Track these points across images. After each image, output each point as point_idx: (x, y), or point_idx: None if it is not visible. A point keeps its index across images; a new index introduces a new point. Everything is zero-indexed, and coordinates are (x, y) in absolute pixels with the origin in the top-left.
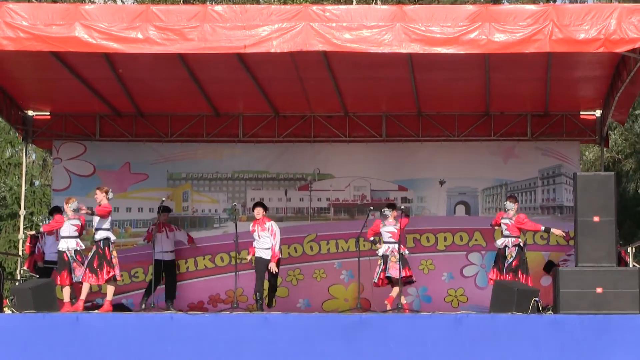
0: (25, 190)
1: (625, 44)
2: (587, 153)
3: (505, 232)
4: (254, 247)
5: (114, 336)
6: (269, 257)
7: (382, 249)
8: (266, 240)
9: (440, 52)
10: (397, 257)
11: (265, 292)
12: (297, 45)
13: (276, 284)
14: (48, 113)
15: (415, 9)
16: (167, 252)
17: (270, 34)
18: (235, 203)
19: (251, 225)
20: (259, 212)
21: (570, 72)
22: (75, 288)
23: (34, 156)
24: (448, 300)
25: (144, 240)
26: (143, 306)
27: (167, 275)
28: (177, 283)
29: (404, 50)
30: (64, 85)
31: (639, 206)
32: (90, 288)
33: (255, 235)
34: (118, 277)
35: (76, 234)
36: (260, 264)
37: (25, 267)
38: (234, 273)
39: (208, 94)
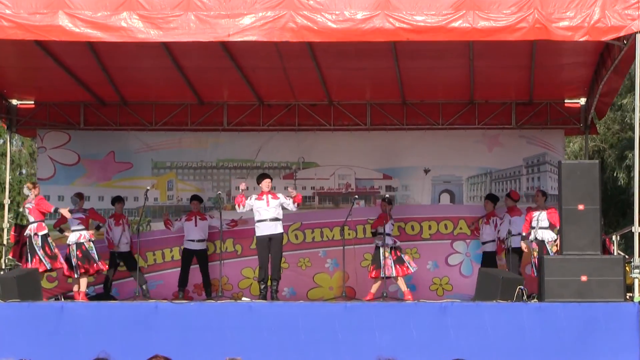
0: (11, 179)
1: (610, 32)
2: (571, 144)
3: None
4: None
5: (98, 325)
6: (276, 232)
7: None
8: (276, 210)
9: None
10: None
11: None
12: (281, 35)
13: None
14: (32, 102)
15: None
16: (195, 240)
17: (254, 22)
18: (219, 192)
19: (256, 196)
20: (268, 183)
21: (555, 60)
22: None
23: (20, 145)
24: (433, 288)
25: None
26: (180, 295)
27: (199, 264)
28: (165, 271)
29: (388, 39)
30: (48, 74)
31: (623, 194)
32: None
33: (262, 205)
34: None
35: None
36: (264, 245)
37: (10, 256)
38: (218, 262)
39: (192, 83)
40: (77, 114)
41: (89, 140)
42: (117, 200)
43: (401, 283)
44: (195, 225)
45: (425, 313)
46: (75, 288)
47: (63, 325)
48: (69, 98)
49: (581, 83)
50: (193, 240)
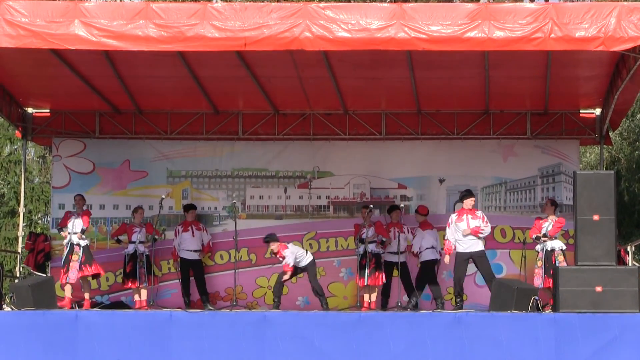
0: (24, 187)
1: (625, 42)
2: (587, 154)
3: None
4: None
5: (113, 334)
6: None
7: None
8: None
9: (440, 49)
10: None
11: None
12: (296, 44)
13: None
14: (47, 110)
15: (415, 6)
16: (191, 250)
17: (270, 31)
18: (234, 201)
19: (454, 216)
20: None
21: (570, 71)
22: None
23: (32, 153)
24: (447, 298)
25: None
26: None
27: (195, 273)
28: (177, 281)
29: (403, 47)
30: (64, 82)
31: (638, 205)
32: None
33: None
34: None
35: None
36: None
37: (24, 264)
38: (233, 271)
39: (207, 92)
40: (93, 122)
41: (104, 148)
42: (188, 207)
43: (373, 293)
44: (193, 236)
45: (440, 323)
46: (136, 297)
47: (78, 333)
48: (85, 106)
49: (596, 93)
50: (190, 250)
